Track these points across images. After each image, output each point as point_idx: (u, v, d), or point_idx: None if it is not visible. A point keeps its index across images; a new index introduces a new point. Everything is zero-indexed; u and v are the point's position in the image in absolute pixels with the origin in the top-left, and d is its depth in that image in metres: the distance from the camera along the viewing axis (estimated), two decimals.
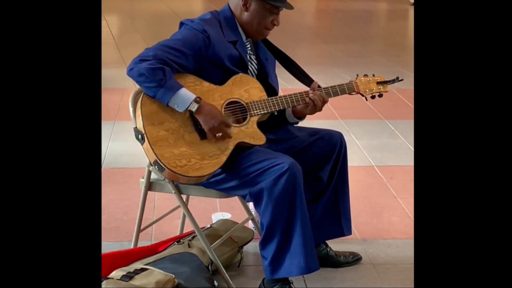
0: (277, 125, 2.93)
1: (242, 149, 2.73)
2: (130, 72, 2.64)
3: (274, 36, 2.97)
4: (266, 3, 2.78)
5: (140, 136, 2.66)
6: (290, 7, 2.84)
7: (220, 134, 2.69)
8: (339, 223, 3.03)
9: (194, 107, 2.64)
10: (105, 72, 6.59)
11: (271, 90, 2.89)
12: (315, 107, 2.84)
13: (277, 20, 2.85)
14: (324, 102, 2.85)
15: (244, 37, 2.87)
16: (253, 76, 2.88)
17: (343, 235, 3.07)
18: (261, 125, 2.79)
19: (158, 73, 2.60)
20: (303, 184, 2.69)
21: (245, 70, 2.84)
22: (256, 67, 2.92)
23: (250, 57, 2.90)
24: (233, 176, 2.71)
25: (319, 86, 2.89)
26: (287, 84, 3.90)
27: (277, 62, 3.02)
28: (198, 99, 2.64)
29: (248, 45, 2.90)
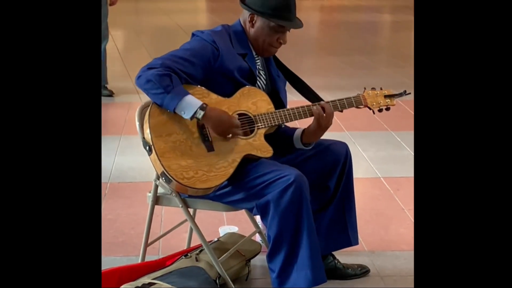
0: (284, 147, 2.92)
1: (248, 161, 2.73)
2: (138, 80, 2.65)
3: (279, 49, 2.97)
4: (271, 21, 2.79)
5: (147, 147, 2.67)
6: (297, 26, 2.81)
7: (230, 136, 2.69)
8: (346, 233, 3.02)
9: (200, 114, 2.63)
10: (111, 86, 6.66)
11: (281, 106, 2.89)
12: (320, 124, 2.81)
13: (283, 39, 2.83)
14: (330, 113, 2.83)
15: (254, 52, 2.87)
16: None
17: (350, 245, 3.06)
18: (267, 137, 2.80)
19: (165, 79, 2.61)
20: (309, 195, 2.69)
21: (253, 83, 2.84)
22: (264, 82, 2.92)
23: (259, 72, 2.90)
24: (240, 188, 2.71)
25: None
26: (294, 97, 3.90)
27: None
28: (204, 105, 2.64)
29: (258, 61, 2.90)
